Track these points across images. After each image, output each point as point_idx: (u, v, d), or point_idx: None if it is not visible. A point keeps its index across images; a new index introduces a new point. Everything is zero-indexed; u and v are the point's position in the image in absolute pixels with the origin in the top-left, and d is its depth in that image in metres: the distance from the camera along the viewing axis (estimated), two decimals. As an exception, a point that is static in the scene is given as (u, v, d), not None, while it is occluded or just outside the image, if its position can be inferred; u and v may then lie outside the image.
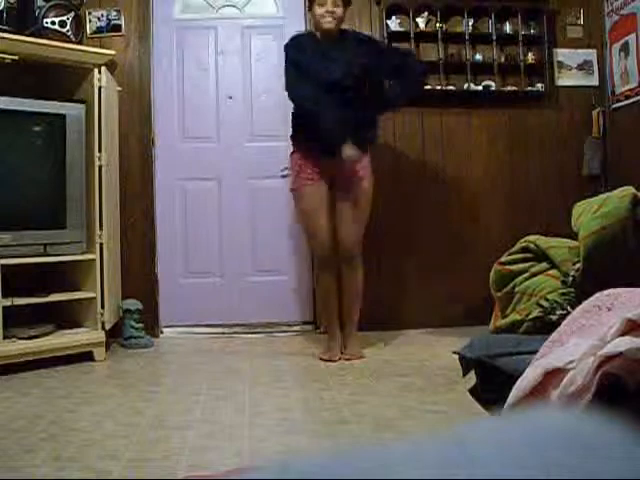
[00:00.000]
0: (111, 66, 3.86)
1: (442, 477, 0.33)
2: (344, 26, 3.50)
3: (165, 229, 4.21)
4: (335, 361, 3.37)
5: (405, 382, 2.95)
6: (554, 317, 1.69)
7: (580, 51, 4.38)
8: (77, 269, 3.51)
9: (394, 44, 4.21)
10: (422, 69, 3.60)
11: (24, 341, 3.20)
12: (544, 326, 1.67)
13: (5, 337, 3.12)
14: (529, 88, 4.30)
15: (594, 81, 4.37)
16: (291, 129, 3.50)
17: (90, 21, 4.03)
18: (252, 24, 4.31)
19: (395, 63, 3.40)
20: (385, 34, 4.15)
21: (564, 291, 1.79)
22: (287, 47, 3.43)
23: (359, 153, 3.24)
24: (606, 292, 1.36)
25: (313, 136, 3.30)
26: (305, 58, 3.34)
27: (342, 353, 3.44)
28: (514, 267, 1.98)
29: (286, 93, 3.42)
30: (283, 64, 3.45)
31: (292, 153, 3.47)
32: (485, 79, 4.25)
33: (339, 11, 3.33)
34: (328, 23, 3.32)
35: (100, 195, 3.52)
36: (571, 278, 1.80)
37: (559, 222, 2.29)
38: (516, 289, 1.94)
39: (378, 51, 3.43)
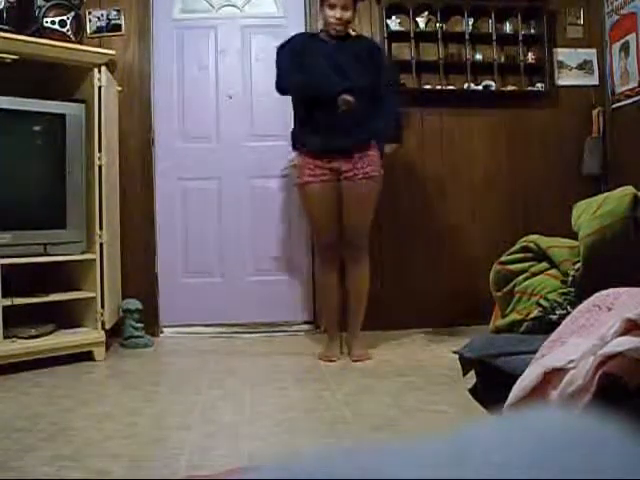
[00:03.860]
0: (111, 66, 3.86)
1: (441, 477, 0.33)
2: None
3: (165, 229, 4.21)
4: (334, 361, 3.37)
5: (405, 382, 2.95)
6: (554, 317, 1.69)
7: (580, 51, 4.38)
8: (77, 269, 3.51)
9: (394, 44, 4.22)
10: (397, 111, 3.52)
11: (24, 341, 3.20)
12: (544, 326, 1.67)
13: (5, 337, 3.12)
14: (529, 88, 4.30)
15: (594, 81, 4.37)
16: (292, 127, 3.50)
17: (90, 21, 4.03)
18: (252, 24, 4.31)
19: (381, 92, 3.36)
20: (385, 34, 4.16)
21: (564, 291, 1.79)
22: (279, 47, 3.42)
23: (354, 101, 3.19)
24: (606, 292, 1.36)
25: (313, 134, 3.31)
26: (302, 57, 3.32)
27: (349, 354, 3.44)
28: (514, 267, 1.98)
29: (277, 92, 3.40)
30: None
31: (296, 149, 3.46)
32: (485, 79, 4.25)
33: (347, 15, 3.31)
34: (335, 29, 3.31)
35: (100, 195, 3.52)
36: (571, 278, 1.80)
37: (559, 222, 2.28)
38: (516, 289, 1.94)
39: (378, 68, 3.38)
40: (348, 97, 3.18)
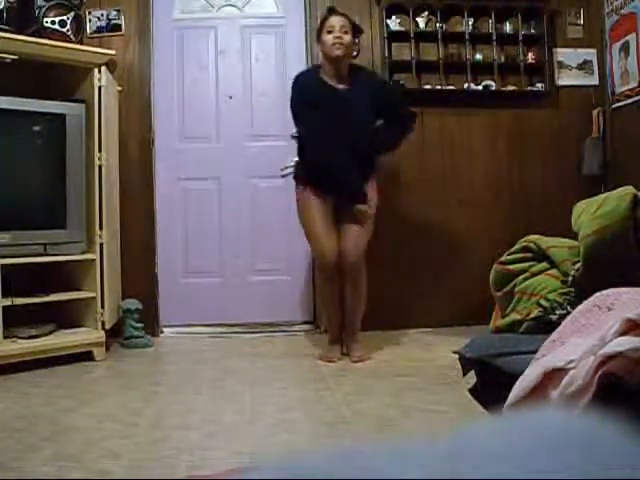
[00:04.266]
0: (111, 66, 3.86)
1: (441, 477, 0.33)
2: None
3: (165, 229, 4.21)
4: (334, 361, 3.37)
5: (405, 382, 2.95)
6: (554, 317, 1.69)
7: (580, 51, 4.38)
8: (77, 269, 3.51)
9: (394, 44, 4.22)
10: (411, 120, 3.51)
11: (24, 341, 3.20)
12: (544, 326, 1.67)
13: (5, 337, 3.12)
14: (529, 88, 4.30)
15: (594, 81, 4.37)
16: (297, 158, 3.48)
17: (90, 21, 4.03)
18: (252, 24, 4.31)
19: (389, 112, 3.39)
20: (385, 34, 4.15)
21: (564, 291, 1.79)
22: (293, 89, 3.41)
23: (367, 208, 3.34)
24: (606, 292, 1.36)
25: (317, 176, 3.33)
26: (312, 101, 3.32)
27: (349, 356, 3.44)
28: (514, 267, 1.98)
29: (296, 129, 3.45)
30: (285, 87, 3.45)
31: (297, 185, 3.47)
32: (485, 79, 4.25)
33: (347, 38, 3.31)
34: (337, 50, 3.28)
35: (100, 195, 3.52)
36: (571, 278, 1.80)
37: (559, 222, 2.28)
38: (516, 289, 1.94)
39: (379, 95, 3.37)
40: (363, 208, 3.33)
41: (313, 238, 3.44)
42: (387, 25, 4.18)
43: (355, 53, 3.45)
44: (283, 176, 3.72)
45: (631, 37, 3.99)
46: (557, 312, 1.71)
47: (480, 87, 4.25)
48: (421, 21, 4.24)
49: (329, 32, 3.30)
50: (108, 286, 3.52)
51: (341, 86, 3.35)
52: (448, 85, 4.22)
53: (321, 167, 3.31)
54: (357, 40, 3.43)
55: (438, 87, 4.20)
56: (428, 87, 4.22)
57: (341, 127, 3.25)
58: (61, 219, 3.40)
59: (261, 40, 4.30)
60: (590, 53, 4.37)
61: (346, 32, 3.31)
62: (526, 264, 1.97)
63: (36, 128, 3.45)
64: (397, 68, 4.20)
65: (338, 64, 3.33)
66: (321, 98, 3.31)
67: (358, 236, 3.37)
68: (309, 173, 3.36)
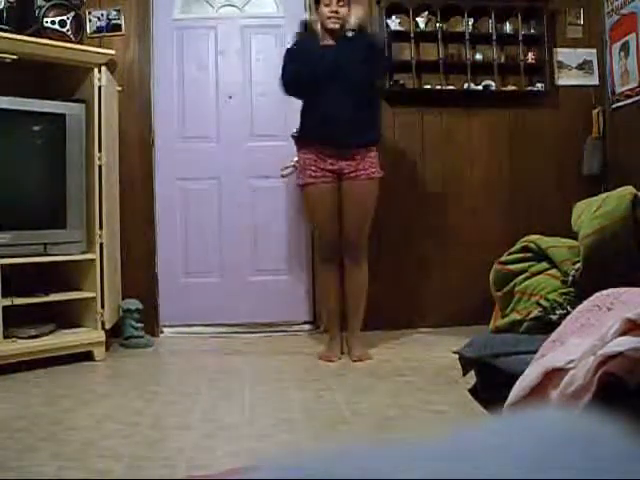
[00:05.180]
0: (111, 66, 3.86)
1: (441, 477, 0.33)
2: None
3: (165, 229, 4.21)
4: (334, 361, 3.37)
5: (405, 382, 2.95)
6: (554, 317, 1.69)
7: (580, 51, 4.38)
8: (77, 269, 3.51)
9: (394, 44, 4.22)
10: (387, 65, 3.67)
11: (24, 341, 3.20)
12: (544, 326, 1.67)
13: (5, 337, 3.12)
14: (529, 88, 4.30)
15: (594, 81, 4.37)
16: (299, 125, 3.50)
17: (90, 21, 4.03)
18: (252, 24, 4.31)
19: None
20: (385, 34, 4.15)
21: (564, 291, 1.79)
22: (289, 48, 3.50)
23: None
24: (606, 292, 1.36)
25: (316, 130, 3.33)
26: (306, 52, 3.39)
27: (349, 354, 3.44)
28: (514, 267, 1.98)
29: (281, 86, 3.43)
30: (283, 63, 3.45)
31: (299, 149, 3.47)
32: (485, 79, 4.25)
33: (343, 11, 3.33)
34: (332, 24, 3.33)
35: (100, 195, 3.52)
36: (571, 278, 1.80)
37: (559, 222, 2.29)
38: (516, 289, 1.94)
39: (370, 50, 3.42)
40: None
41: (314, 221, 3.47)
42: (387, 25, 4.18)
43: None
44: (283, 176, 3.71)
45: (631, 37, 3.99)
46: (557, 312, 1.71)
47: (480, 87, 4.25)
48: (421, 21, 4.24)
49: (326, 5, 3.32)
50: (108, 286, 3.52)
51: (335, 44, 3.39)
52: (448, 85, 4.22)
53: (321, 115, 3.30)
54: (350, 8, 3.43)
55: (438, 87, 4.20)
56: (428, 87, 4.22)
57: (338, 79, 3.27)
58: (61, 219, 3.40)
59: (261, 40, 4.30)
60: (590, 53, 4.37)
61: (342, 5, 3.34)
62: (526, 264, 1.97)
63: (36, 128, 3.45)
64: (397, 68, 4.20)
65: (333, 33, 3.37)
66: (317, 49, 3.37)
67: (360, 215, 3.38)
68: (310, 130, 3.37)
